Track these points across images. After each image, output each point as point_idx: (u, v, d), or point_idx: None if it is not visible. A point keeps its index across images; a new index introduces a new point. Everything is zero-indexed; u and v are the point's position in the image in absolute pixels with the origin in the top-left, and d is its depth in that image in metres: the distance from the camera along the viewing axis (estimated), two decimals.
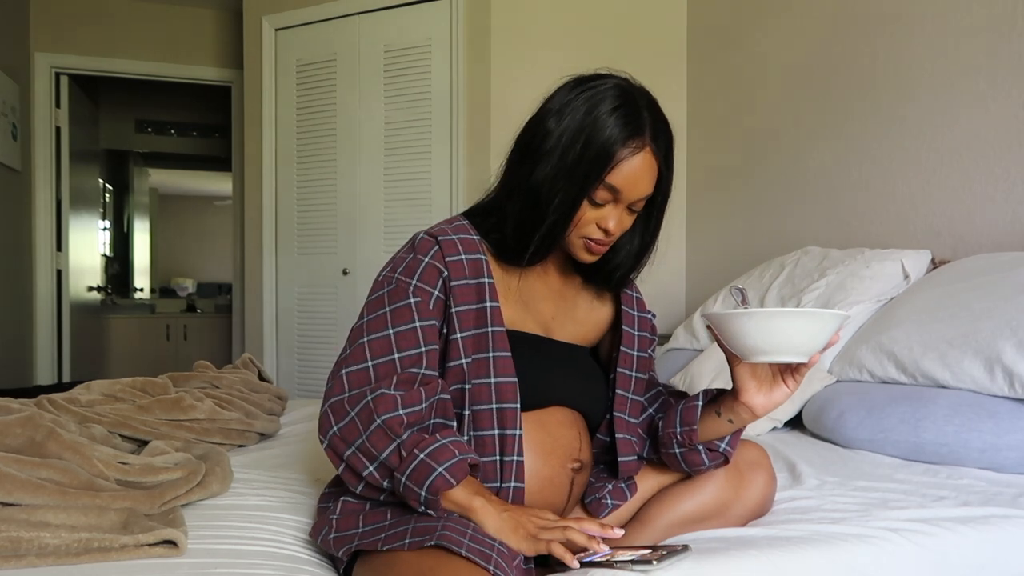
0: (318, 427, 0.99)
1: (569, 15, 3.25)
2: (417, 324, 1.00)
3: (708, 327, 0.99)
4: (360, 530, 0.95)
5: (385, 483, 0.95)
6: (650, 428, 1.17)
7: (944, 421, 1.48)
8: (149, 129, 6.49)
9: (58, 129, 4.48)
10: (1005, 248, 1.96)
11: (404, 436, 0.93)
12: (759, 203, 2.92)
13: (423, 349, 0.99)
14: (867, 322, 1.93)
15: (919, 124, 2.24)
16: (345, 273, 3.56)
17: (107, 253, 6.34)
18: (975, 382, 1.52)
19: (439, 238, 1.04)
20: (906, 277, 2.01)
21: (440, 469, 0.91)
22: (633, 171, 0.99)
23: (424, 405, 0.97)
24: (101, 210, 5.99)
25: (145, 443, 1.45)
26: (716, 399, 1.07)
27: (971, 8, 2.07)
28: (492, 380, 1.01)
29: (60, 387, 3.88)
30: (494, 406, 1.00)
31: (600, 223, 1.02)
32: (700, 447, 1.08)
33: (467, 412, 1.00)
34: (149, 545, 0.93)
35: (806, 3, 2.70)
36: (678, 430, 1.08)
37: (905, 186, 2.29)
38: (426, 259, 1.03)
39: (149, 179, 7.04)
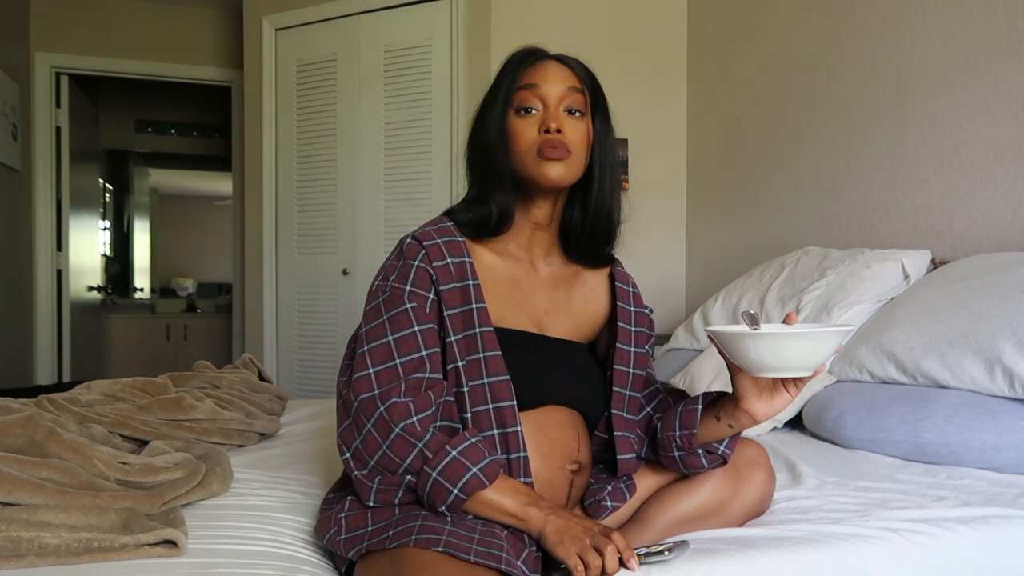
0: (341, 439, 0.99)
1: (569, 15, 3.25)
2: (416, 329, 1.00)
3: (710, 338, 0.99)
4: (369, 528, 0.95)
5: (408, 478, 0.95)
6: (648, 428, 1.16)
7: (944, 421, 1.47)
8: (149, 129, 6.49)
9: (58, 129, 4.48)
10: (1005, 248, 1.96)
11: (427, 437, 0.94)
12: (759, 203, 2.93)
13: (424, 353, 1.00)
14: (867, 322, 1.93)
15: (919, 124, 2.24)
16: (345, 273, 3.56)
17: (107, 253, 6.34)
18: (975, 382, 1.52)
19: (424, 243, 1.05)
20: (906, 277, 2.01)
21: (475, 469, 0.92)
22: (540, 68, 1.08)
23: (434, 408, 0.98)
24: (101, 210, 5.99)
25: (145, 443, 1.45)
26: (715, 403, 1.07)
27: (971, 8, 2.07)
28: (486, 380, 1.01)
29: (60, 387, 3.88)
30: (490, 406, 1.01)
31: (540, 127, 1.05)
32: (699, 451, 1.08)
33: (468, 415, 1.00)
34: (149, 545, 0.93)
35: (806, 3, 2.70)
36: (677, 433, 1.07)
37: (905, 186, 2.29)
38: (416, 263, 1.03)
39: (149, 179, 7.04)
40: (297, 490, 1.29)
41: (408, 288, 1.02)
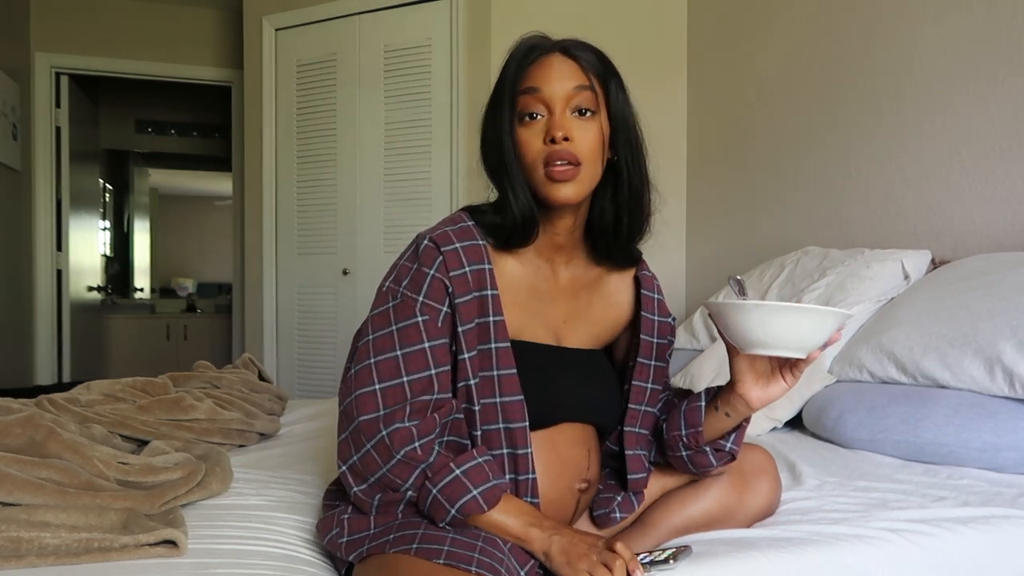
0: (338, 452, 0.97)
1: (569, 16, 3.25)
2: (426, 345, 0.95)
3: (709, 315, 0.98)
4: (372, 531, 0.93)
5: (409, 493, 0.93)
6: (654, 430, 1.15)
7: (944, 421, 1.47)
8: (149, 129, 6.49)
9: (58, 129, 4.48)
10: (1005, 248, 1.95)
11: (430, 459, 0.92)
12: (759, 203, 2.92)
13: (433, 372, 0.95)
14: (867, 322, 1.93)
15: (919, 124, 2.23)
16: (345, 273, 3.56)
17: (107, 253, 6.34)
18: (975, 382, 1.52)
19: (442, 248, 0.98)
20: (906, 277, 2.01)
21: (475, 492, 0.90)
22: (542, 67, 1.00)
23: (439, 429, 0.95)
24: (101, 210, 5.99)
25: (145, 443, 1.45)
26: (716, 396, 1.06)
27: (971, 8, 2.07)
28: (498, 400, 0.98)
29: (60, 387, 3.89)
30: (501, 426, 0.97)
31: (546, 136, 0.97)
32: (707, 448, 1.06)
33: (478, 432, 0.98)
34: (149, 545, 0.93)
35: (806, 3, 2.70)
36: (683, 432, 1.06)
37: (905, 186, 2.29)
38: (431, 271, 0.97)
39: (149, 179, 7.05)
40: (297, 490, 1.29)
41: (421, 299, 0.96)
